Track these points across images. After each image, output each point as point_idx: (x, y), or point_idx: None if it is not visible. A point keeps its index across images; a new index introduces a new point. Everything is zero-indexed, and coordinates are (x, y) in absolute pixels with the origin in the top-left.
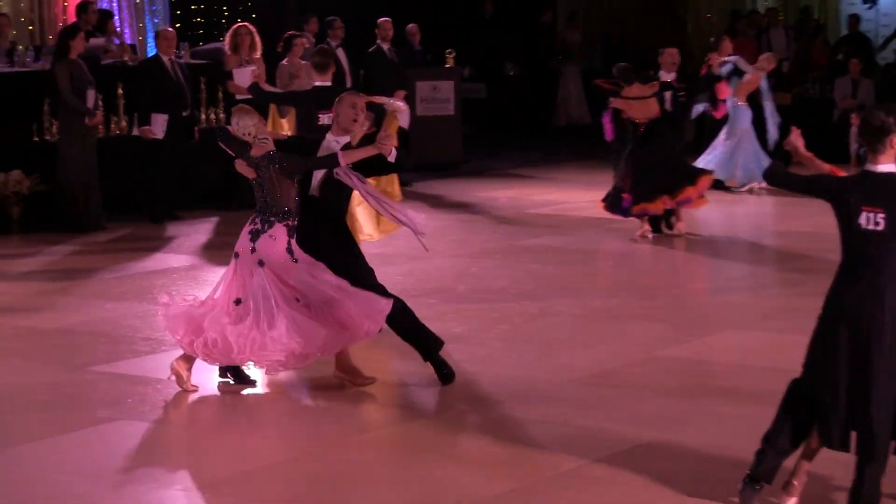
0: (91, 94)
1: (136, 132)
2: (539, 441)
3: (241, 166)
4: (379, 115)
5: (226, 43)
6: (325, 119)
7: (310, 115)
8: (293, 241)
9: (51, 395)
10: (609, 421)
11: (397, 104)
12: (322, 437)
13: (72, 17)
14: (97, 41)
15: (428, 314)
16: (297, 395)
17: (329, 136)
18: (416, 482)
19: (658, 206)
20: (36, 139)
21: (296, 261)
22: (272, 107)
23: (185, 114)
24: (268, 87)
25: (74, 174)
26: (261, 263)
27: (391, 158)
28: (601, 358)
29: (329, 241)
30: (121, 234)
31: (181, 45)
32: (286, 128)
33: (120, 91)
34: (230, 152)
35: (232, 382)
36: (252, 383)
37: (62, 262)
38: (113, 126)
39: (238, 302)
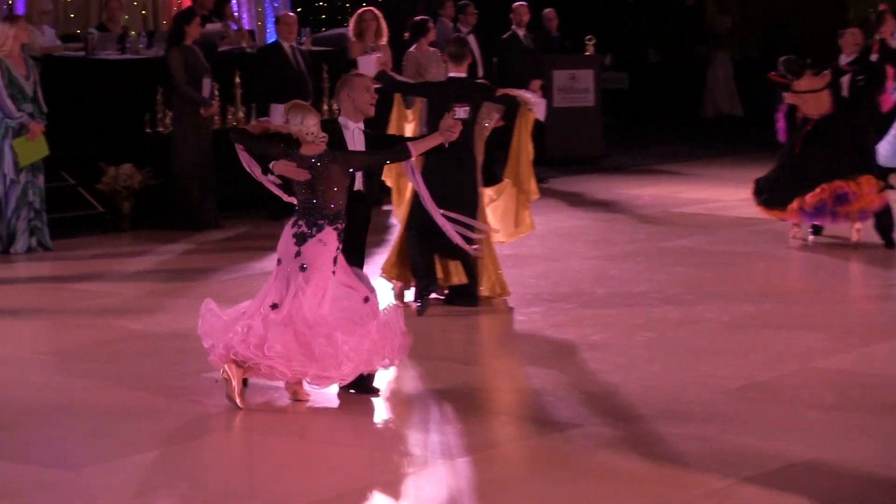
0: (207, 83)
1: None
2: (684, 457)
3: (287, 168)
4: (512, 109)
5: (350, 29)
6: (460, 112)
7: (444, 109)
8: (339, 247)
9: (163, 402)
10: (760, 437)
11: (531, 96)
12: (451, 451)
13: (187, 2)
14: (214, 26)
15: (563, 320)
16: (424, 405)
17: (349, 123)
18: (550, 501)
19: (791, 214)
20: (148, 131)
21: (334, 272)
22: (396, 97)
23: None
24: (398, 77)
25: (188, 168)
26: (302, 268)
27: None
28: (752, 368)
29: (364, 237)
30: (237, 233)
31: (302, 31)
32: (411, 119)
33: (237, 80)
34: (252, 154)
35: (353, 392)
36: (375, 392)
37: (175, 262)
38: (230, 117)
39: (274, 306)
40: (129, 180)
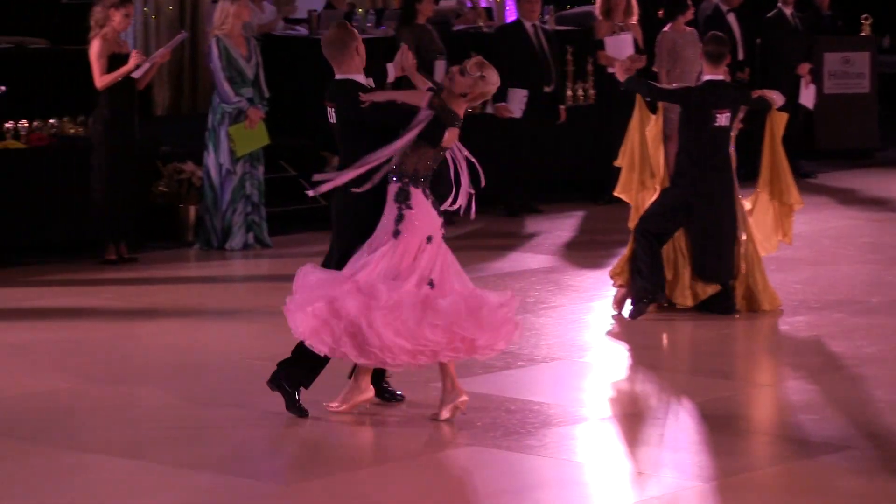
0: (441, 65)
1: (490, 110)
2: None
3: (455, 136)
4: (762, 112)
5: (597, 6)
6: (721, 119)
7: (703, 116)
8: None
9: (388, 414)
10: None
11: (775, 95)
12: (704, 474)
13: None
14: (448, 3)
15: (832, 330)
16: (675, 422)
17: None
18: None
19: None
20: None
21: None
22: (638, 97)
23: (548, 89)
24: (650, 82)
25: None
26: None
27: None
28: None
29: None
30: (471, 229)
31: (545, 10)
32: (654, 123)
33: None
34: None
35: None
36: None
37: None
38: None
39: (432, 284)
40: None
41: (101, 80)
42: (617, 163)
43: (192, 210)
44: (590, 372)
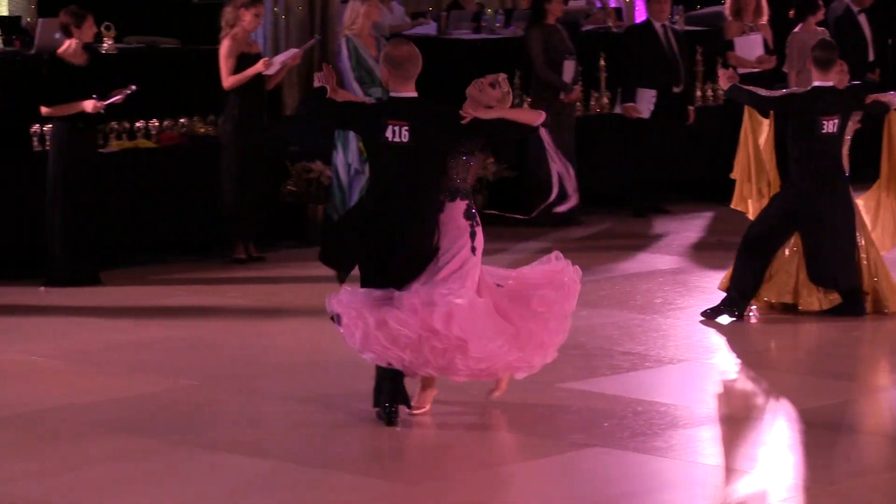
0: (569, 66)
1: (618, 110)
2: None
3: None
4: (879, 115)
5: (726, 6)
6: (829, 126)
7: (811, 124)
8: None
9: (517, 414)
10: None
11: (892, 97)
12: (824, 474)
13: None
14: (577, 4)
15: None
16: (790, 428)
17: None
18: None
19: None
20: None
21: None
22: (746, 107)
23: (676, 90)
24: (754, 89)
25: (547, 159)
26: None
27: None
28: None
29: None
30: (598, 230)
31: (675, 10)
32: (765, 129)
33: (602, 62)
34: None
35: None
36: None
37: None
38: (592, 103)
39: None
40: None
41: (227, 80)
42: (732, 175)
43: (320, 209)
44: (717, 373)
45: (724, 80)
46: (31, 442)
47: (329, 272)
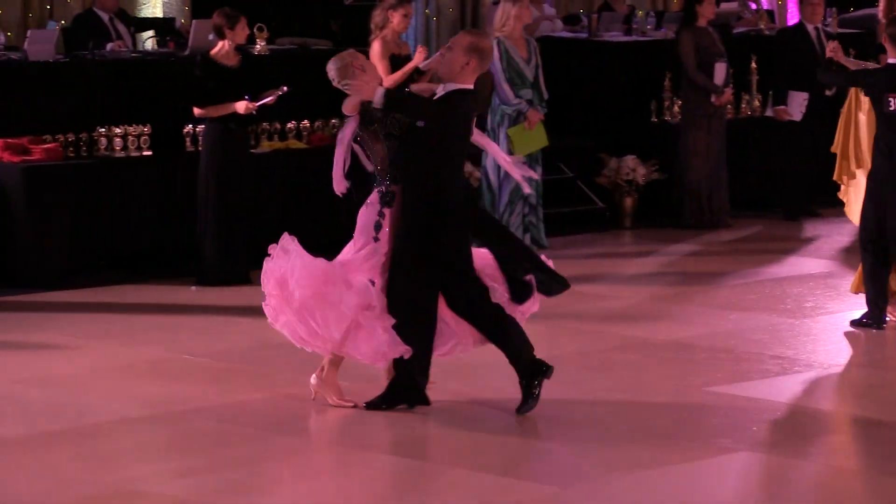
0: (720, 69)
1: (769, 113)
2: None
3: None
4: None
5: (880, 9)
6: (894, 104)
7: (880, 100)
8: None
9: (664, 417)
10: None
11: None
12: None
13: None
14: (729, 6)
15: None
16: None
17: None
18: None
19: None
20: (654, 120)
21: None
22: (851, 91)
23: (829, 93)
24: (847, 64)
25: (698, 162)
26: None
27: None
28: None
29: None
30: (749, 233)
31: (828, 12)
32: (866, 105)
33: (753, 65)
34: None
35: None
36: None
37: (679, 264)
38: (744, 106)
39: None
40: (631, 174)
41: (387, 80)
42: (832, 149)
43: None
44: (867, 379)
45: (829, 50)
46: (179, 441)
47: None
